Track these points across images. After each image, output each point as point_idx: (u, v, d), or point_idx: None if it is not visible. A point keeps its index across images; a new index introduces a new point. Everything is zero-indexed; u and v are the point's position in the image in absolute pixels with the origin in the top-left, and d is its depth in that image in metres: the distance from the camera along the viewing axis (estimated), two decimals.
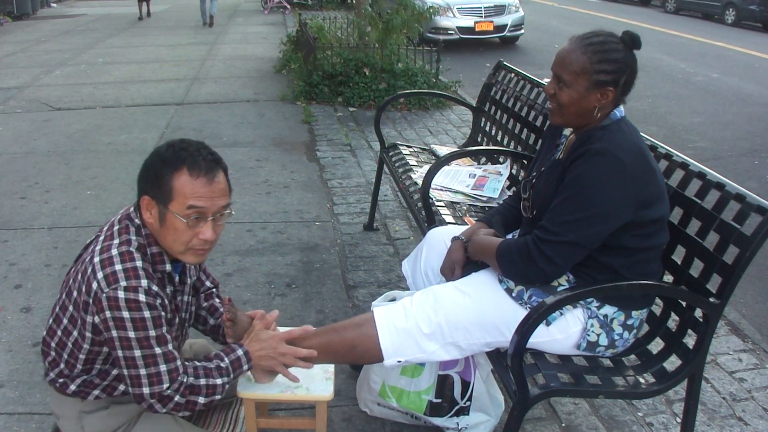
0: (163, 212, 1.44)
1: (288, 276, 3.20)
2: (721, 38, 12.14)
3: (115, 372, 1.53)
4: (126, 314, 1.37)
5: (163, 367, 1.43)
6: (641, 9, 17.80)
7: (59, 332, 1.51)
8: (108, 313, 1.38)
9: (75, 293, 1.46)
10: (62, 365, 1.53)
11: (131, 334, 1.39)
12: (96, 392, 1.54)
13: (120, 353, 1.41)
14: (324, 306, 2.93)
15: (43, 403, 2.28)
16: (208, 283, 1.84)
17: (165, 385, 1.44)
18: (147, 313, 1.39)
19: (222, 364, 1.57)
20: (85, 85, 7.33)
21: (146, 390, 1.43)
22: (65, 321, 1.50)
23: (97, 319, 1.41)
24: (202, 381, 1.51)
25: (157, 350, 1.42)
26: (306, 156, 4.99)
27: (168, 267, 1.50)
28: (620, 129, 1.68)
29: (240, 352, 1.62)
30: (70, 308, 1.48)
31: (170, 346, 1.45)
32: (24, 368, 2.48)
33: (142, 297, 1.39)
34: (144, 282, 1.40)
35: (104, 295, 1.37)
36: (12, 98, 6.75)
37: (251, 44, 10.17)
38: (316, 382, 1.76)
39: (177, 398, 1.46)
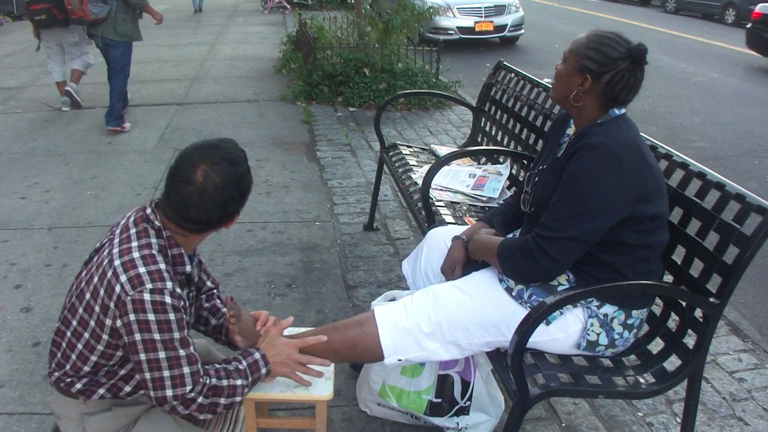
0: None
1: (288, 276, 3.20)
2: (721, 38, 12.14)
3: (122, 372, 1.53)
4: (152, 317, 1.37)
5: (186, 370, 1.43)
6: (641, 9, 17.79)
7: (68, 334, 1.51)
8: (132, 316, 1.37)
9: (88, 296, 1.45)
10: (68, 367, 1.52)
11: (156, 336, 1.38)
12: (101, 391, 1.54)
13: (143, 356, 1.40)
14: (324, 306, 2.93)
15: (43, 403, 2.28)
16: (209, 284, 1.84)
17: (188, 388, 1.43)
18: (172, 315, 1.39)
19: (240, 366, 1.58)
20: (86, 85, 7.32)
21: (169, 393, 1.42)
22: (74, 323, 1.49)
23: (118, 323, 1.40)
24: (224, 382, 1.51)
25: (181, 352, 1.42)
26: (306, 156, 4.99)
27: (188, 268, 1.51)
28: (617, 125, 1.69)
29: (257, 355, 1.63)
30: (80, 311, 1.47)
31: (192, 349, 1.45)
32: (24, 368, 2.48)
33: (168, 299, 1.39)
34: (169, 284, 1.40)
35: (129, 298, 1.36)
36: (12, 98, 6.75)
37: (251, 44, 10.17)
38: (316, 382, 1.76)
39: (200, 399, 1.46)
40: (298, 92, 6.68)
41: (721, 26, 14.23)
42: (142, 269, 1.39)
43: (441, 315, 1.72)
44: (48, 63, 6.11)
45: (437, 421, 2.08)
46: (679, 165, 1.97)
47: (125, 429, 1.60)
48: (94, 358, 1.49)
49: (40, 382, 2.39)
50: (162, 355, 1.40)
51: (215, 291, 1.86)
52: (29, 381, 2.41)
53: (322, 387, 1.74)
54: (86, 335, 1.47)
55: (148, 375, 1.42)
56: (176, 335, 1.40)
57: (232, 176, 1.43)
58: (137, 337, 1.38)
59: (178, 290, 1.43)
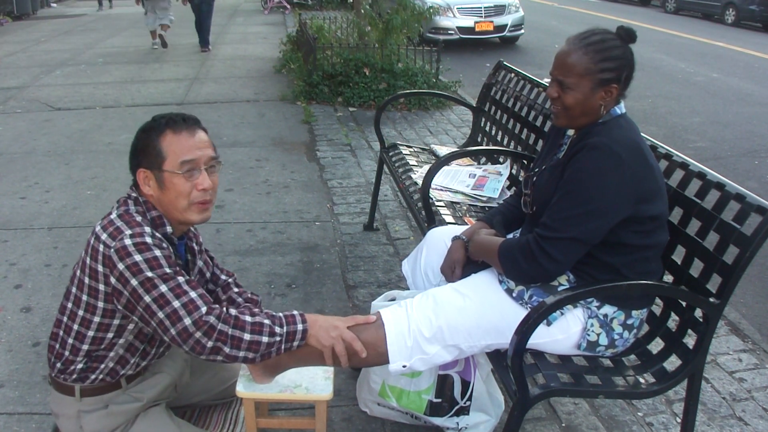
0: (160, 175, 1.50)
1: (288, 276, 3.20)
2: (721, 38, 12.14)
3: (121, 341, 1.53)
4: (138, 257, 1.40)
5: (193, 294, 1.43)
6: (641, 9, 17.80)
7: (65, 319, 1.54)
8: (121, 265, 1.40)
9: (79, 272, 1.50)
10: (66, 352, 1.53)
11: (150, 274, 1.40)
12: (103, 366, 1.54)
13: (147, 298, 1.40)
14: (324, 306, 2.93)
15: (43, 403, 2.28)
16: (223, 277, 1.84)
17: (203, 309, 1.42)
18: (157, 252, 1.42)
19: (276, 315, 1.52)
20: (85, 85, 7.33)
21: (188, 321, 1.40)
22: (70, 306, 1.52)
23: (112, 281, 1.42)
24: (247, 318, 1.47)
25: (180, 280, 1.43)
26: (306, 156, 4.99)
27: (169, 229, 1.54)
28: (618, 125, 1.68)
29: (295, 312, 1.55)
30: (73, 290, 1.51)
31: (187, 278, 1.45)
32: (24, 368, 2.48)
33: (148, 239, 1.43)
34: (148, 229, 1.45)
35: (112, 249, 1.41)
36: (12, 98, 6.75)
37: (251, 44, 10.17)
38: (316, 382, 1.76)
39: (220, 326, 1.41)
40: (298, 92, 6.68)
41: (721, 26, 14.23)
42: (119, 223, 1.45)
43: (441, 319, 1.70)
44: (146, 19, 9.41)
45: (437, 421, 2.08)
46: (679, 165, 1.97)
47: (122, 428, 1.60)
48: (91, 333, 1.50)
49: (40, 382, 2.39)
50: (164, 288, 1.41)
51: (230, 281, 1.85)
52: (29, 381, 2.41)
53: (321, 387, 1.74)
54: (81, 312, 1.50)
55: (161, 314, 1.40)
56: (168, 270, 1.42)
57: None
58: (134, 282, 1.40)
59: (158, 236, 1.47)
